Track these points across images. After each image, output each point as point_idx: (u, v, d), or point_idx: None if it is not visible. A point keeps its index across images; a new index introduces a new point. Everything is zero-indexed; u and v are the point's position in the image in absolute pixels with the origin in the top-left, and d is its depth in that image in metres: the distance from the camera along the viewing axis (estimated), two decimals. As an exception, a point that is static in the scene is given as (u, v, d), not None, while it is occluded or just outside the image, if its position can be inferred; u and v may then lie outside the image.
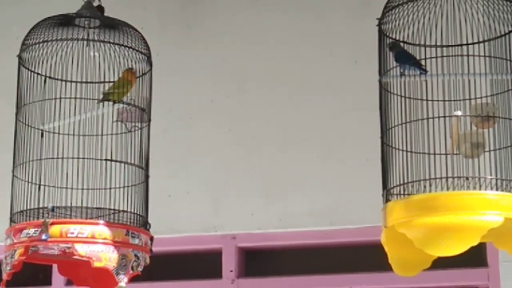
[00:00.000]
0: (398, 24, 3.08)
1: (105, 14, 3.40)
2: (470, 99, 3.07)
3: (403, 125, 3.03)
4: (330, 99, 4.47)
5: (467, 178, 2.93)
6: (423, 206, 2.84)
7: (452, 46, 3.13)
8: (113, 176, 3.30)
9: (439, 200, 2.83)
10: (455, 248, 2.78)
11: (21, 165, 3.29)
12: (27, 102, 3.33)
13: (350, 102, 4.42)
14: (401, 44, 3.11)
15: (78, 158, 3.29)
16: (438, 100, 3.09)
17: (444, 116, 3.01)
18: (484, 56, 3.10)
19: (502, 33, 3.09)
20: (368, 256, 4.08)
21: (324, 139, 4.44)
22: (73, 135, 3.36)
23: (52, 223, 3.09)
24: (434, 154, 3.03)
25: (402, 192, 2.97)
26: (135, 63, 3.39)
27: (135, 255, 3.16)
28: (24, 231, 3.13)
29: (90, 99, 3.37)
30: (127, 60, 3.36)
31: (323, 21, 4.58)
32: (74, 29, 3.34)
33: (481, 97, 3.09)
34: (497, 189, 2.89)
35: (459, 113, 3.00)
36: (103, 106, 3.35)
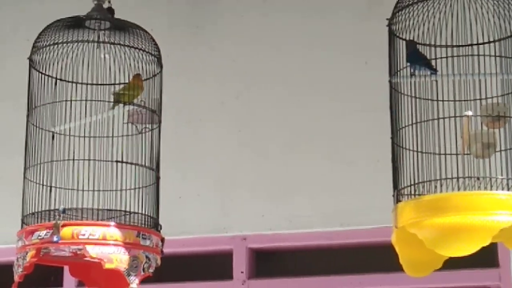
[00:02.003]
0: (408, 24, 3.07)
1: (115, 16, 3.40)
2: (480, 99, 3.07)
3: (414, 125, 3.03)
4: (340, 100, 4.47)
5: (478, 178, 2.92)
6: (434, 206, 2.83)
7: (462, 46, 3.13)
8: (124, 177, 3.31)
9: (450, 200, 2.82)
10: (466, 248, 2.78)
11: (32, 168, 3.29)
12: (38, 104, 3.33)
13: (360, 102, 4.41)
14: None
15: (89, 160, 3.29)
16: (448, 100, 3.08)
17: (455, 116, 3.01)
18: (495, 56, 3.10)
19: (513, 33, 3.09)
20: (379, 257, 4.08)
21: (334, 140, 4.44)
22: (84, 137, 3.36)
23: (64, 225, 3.10)
24: (445, 154, 3.03)
25: (412, 193, 2.97)
26: (145, 64, 3.39)
27: (146, 257, 3.16)
28: (35, 233, 3.13)
29: (100, 101, 3.37)
30: (138, 62, 3.37)
31: (332, 22, 4.58)
32: (85, 31, 3.34)
33: (491, 97, 3.09)
34: (508, 189, 2.88)
35: (469, 113, 3.00)
36: (113, 108, 3.36)
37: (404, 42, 3.10)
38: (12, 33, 4.98)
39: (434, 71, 3.06)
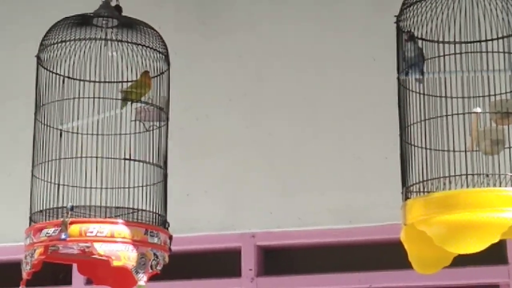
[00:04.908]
0: (416, 21, 3.06)
1: (123, 13, 3.40)
2: (489, 95, 3.06)
3: (422, 122, 3.02)
4: (349, 97, 4.47)
5: (487, 175, 2.91)
6: (442, 203, 2.83)
7: (470, 42, 3.12)
8: (132, 175, 3.31)
9: (459, 197, 2.81)
10: (476, 245, 2.77)
11: (40, 165, 3.29)
12: (45, 102, 3.33)
13: (368, 99, 4.41)
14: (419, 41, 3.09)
15: (97, 157, 3.29)
16: (457, 97, 3.07)
17: (463, 113, 3.00)
18: (504, 52, 3.08)
19: (521, 29, 3.08)
20: (388, 254, 4.07)
21: (342, 136, 4.43)
22: (92, 134, 3.37)
23: (71, 223, 3.10)
24: (454, 151, 3.02)
25: (421, 190, 2.96)
26: (153, 62, 3.39)
27: (154, 254, 3.16)
28: (43, 230, 3.14)
29: (108, 98, 3.37)
30: (145, 60, 3.36)
31: (341, 18, 4.58)
32: (92, 29, 3.34)
33: (500, 94, 3.08)
34: (517, 186, 2.87)
35: (478, 109, 2.99)
36: (122, 108, 3.36)
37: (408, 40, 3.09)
38: (20, 31, 4.98)
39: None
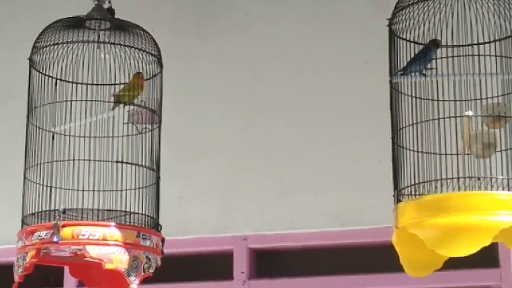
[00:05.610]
0: (409, 24, 3.07)
1: (116, 15, 3.40)
2: (481, 99, 3.06)
3: (414, 125, 3.02)
4: (342, 99, 4.47)
5: (479, 178, 2.92)
6: (434, 206, 2.83)
7: (463, 46, 3.13)
8: (124, 178, 3.31)
9: (450, 200, 2.82)
10: (467, 248, 2.77)
11: (33, 168, 3.29)
12: (38, 104, 3.33)
13: (364, 101, 4.40)
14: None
15: (89, 160, 3.29)
16: (449, 100, 3.08)
17: (455, 116, 3.01)
18: (495, 55, 3.09)
19: (513, 32, 3.09)
20: (380, 257, 4.07)
21: (335, 139, 4.43)
22: (84, 137, 3.36)
23: (64, 225, 3.10)
24: (446, 154, 3.03)
25: (413, 193, 2.96)
26: (146, 64, 3.39)
27: (147, 257, 3.16)
28: (35, 233, 3.13)
29: (101, 101, 3.37)
30: (138, 62, 3.36)
31: (337, 20, 4.57)
32: (85, 31, 3.34)
33: (492, 97, 3.09)
34: (509, 189, 2.88)
35: (470, 113, 3.00)
36: (113, 109, 3.36)
37: (408, 42, 3.10)
38: (20, 31, 4.97)
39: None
